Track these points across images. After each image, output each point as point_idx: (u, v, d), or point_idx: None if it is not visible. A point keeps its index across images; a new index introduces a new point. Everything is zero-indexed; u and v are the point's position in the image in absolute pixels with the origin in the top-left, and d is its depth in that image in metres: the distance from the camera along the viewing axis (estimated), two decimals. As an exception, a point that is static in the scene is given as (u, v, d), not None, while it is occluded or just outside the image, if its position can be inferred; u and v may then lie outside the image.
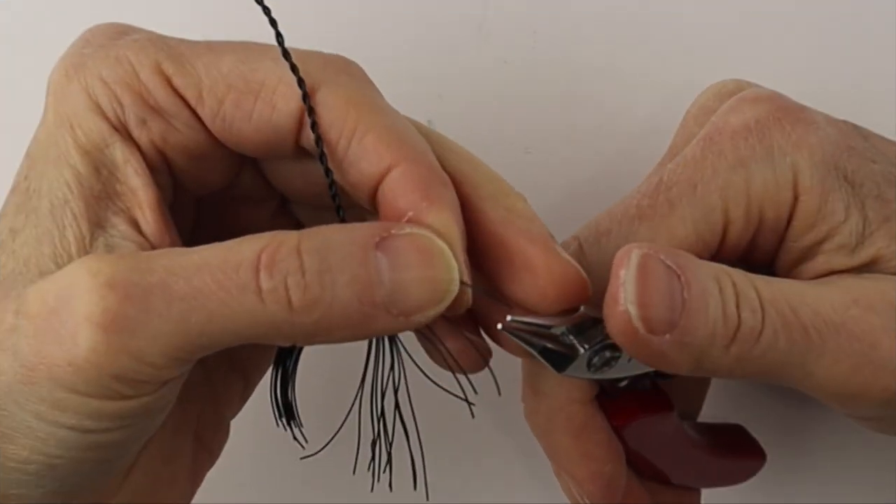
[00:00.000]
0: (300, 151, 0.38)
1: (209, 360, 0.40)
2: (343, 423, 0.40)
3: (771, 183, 0.39)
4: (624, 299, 0.35)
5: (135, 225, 0.37)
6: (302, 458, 0.41)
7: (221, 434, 0.45)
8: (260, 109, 0.36)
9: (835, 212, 0.39)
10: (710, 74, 0.47)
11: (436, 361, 0.40)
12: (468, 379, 0.39)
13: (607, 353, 0.39)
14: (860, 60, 0.53)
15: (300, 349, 0.40)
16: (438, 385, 0.39)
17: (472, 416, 0.39)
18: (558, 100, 0.53)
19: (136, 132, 0.37)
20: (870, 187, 0.39)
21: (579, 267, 0.37)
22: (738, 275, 0.37)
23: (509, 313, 0.37)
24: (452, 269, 0.35)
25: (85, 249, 0.36)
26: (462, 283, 0.35)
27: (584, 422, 0.41)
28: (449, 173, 0.37)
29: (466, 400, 0.39)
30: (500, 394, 0.38)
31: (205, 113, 0.36)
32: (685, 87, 0.48)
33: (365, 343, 0.38)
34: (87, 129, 0.36)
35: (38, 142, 0.38)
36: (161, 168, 0.38)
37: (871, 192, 0.39)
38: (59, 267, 0.35)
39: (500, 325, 0.37)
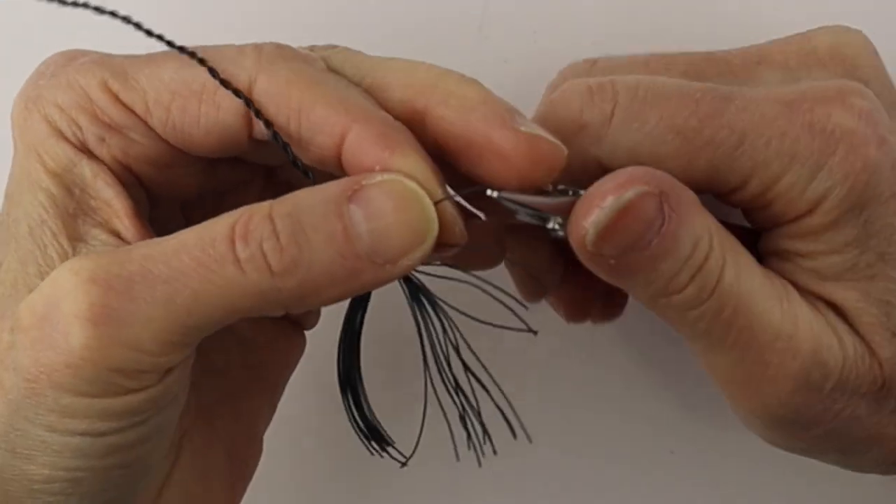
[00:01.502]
0: (257, 143, 0.38)
1: (227, 372, 0.41)
2: (423, 419, 0.39)
3: (798, 189, 0.37)
4: (591, 222, 0.34)
5: (115, 234, 0.37)
6: (402, 466, 0.39)
7: (254, 448, 0.44)
8: (206, 112, 0.37)
9: (831, 242, 0.37)
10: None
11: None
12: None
13: None
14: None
15: (358, 369, 0.39)
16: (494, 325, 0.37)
17: (535, 334, 0.37)
18: None
19: (98, 150, 0.38)
20: (879, 242, 0.37)
21: (547, 134, 0.36)
22: (718, 249, 0.36)
23: (495, 190, 0.36)
24: (428, 208, 0.35)
25: None
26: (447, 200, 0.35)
27: None
28: (398, 94, 0.37)
29: (529, 329, 0.37)
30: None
31: (154, 123, 0.37)
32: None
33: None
34: (53, 153, 0.38)
35: (12, 177, 0.39)
36: (130, 181, 0.39)
37: (877, 246, 0.37)
38: None
39: (493, 193, 0.36)
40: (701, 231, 0.35)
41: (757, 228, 0.39)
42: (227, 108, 0.36)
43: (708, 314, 0.36)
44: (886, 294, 0.37)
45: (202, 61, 0.36)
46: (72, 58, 0.38)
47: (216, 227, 0.34)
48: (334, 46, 0.40)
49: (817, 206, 0.37)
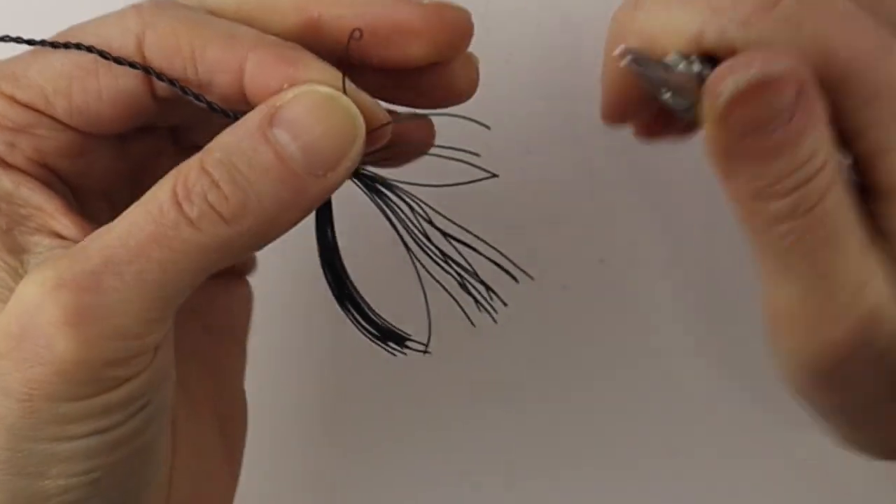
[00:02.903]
0: (162, 102, 0.38)
1: (193, 342, 0.42)
2: (426, 300, 0.38)
3: None
4: (730, 81, 0.33)
5: (56, 235, 0.37)
6: (425, 354, 0.39)
7: (238, 400, 0.45)
8: (105, 84, 0.36)
9: None
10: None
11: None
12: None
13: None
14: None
15: (348, 279, 0.39)
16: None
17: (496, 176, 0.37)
18: (560, 99, 0.51)
19: (11, 157, 0.37)
20: None
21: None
22: (830, 170, 0.34)
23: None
24: (348, 107, 0.35)
25: (20, 277, 0.36)
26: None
27: None
28: (288, 6, 0.37)
29: (491, 173, 0.37)
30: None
31: (59, 113, 0.37)
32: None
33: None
34: None
35: None
36: (51, 180, 0.38)
37: None
38: (3, 303, 0.36)
39: (619, 51, 0.35)
40: (821, 144, 0.34)
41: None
42: (126, 74, 0.36)
43: (795, 232, 0.34)
44: None
45: (90, 49, 0.36)
46: None
47: (158, 196, 0.34)
48: None
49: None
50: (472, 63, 0.39)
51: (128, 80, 0.36)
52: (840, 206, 0.35)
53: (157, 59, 0.36)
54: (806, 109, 0.33)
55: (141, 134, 0.40)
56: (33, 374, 0.33)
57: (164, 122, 0.40)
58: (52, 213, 0.37)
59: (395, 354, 0.39)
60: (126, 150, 0.40)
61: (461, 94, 0.39)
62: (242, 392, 0.45)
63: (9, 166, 0.37)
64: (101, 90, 0.37)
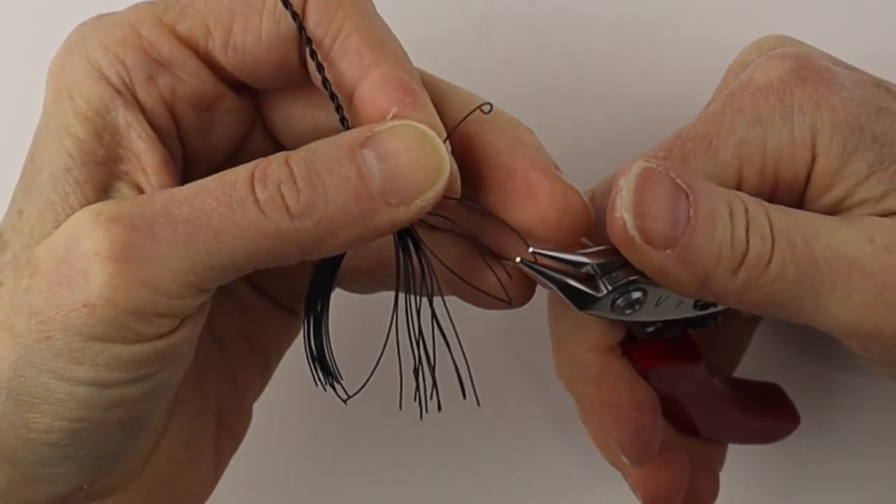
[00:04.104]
0: (306, 75, 0.38)
1: (226, 340, 0.42)
2: (380, 356, 0.39)
3: (787, 143, 0.38)
4: (619, 206, 0.36)
5: (138, 189, 0.37)
6: (346, 401, 0.40)
7: (243, 417, 0.45)
8: (267, 26, 0.37)
9: (856, 173, 0.38)
10: (708, 74, 0.47)
11: (478, 302, 0.40)
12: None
13: (633, 296, 0.39)
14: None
15: (327, 298, 0.40)
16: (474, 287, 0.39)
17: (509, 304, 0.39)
18: (559, 98, 0.53)
19: (143, 91, 0.37)
20: None
21: (581, 193, 0.38)
22: (752, 201, 0.37)
23: (531, 245, 0.38)
24: (440, 148, 0.35)
25: None
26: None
27: (602, 370, 0.42)
28: (456, 112, 0.38)
29: (507, 299, 0.39)
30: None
31: (216, 46, 0.37)
32: (687, 86, 0.50)
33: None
34: (88, 95, 0.37)
35: (40, 124, 0.38)
36: (168, 129, 0.38)
37: None
38: None
39: (518, 259, 0.38)
40: (721, 191, 0.37)
41: (818, 210, 0.39)
42: (287, 23, 0.37)
43: (787, 257, 0.36)
44: None
45: None
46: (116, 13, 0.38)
47: (237, 172, 0.35)
48: None
49: (815, 143, 0.38)
50: None
51: (290, 28, 0.37)
52: (788, 212, 0.37)
53: (309, 14, 0.37)
54: (684, 176, 0.36)
55: (267, 135, 0.41)
56: (61, 299, 0.34)
57: (292, 141, 0.40)
58: (146, 166, 0.37)
59: (316, 385, 0.40)
60: (250, 134, 0.40)
61: None
62: (250, 412, 0.45)
63: (134, 104, 0.37)
64: (261, 31, 0.37)
